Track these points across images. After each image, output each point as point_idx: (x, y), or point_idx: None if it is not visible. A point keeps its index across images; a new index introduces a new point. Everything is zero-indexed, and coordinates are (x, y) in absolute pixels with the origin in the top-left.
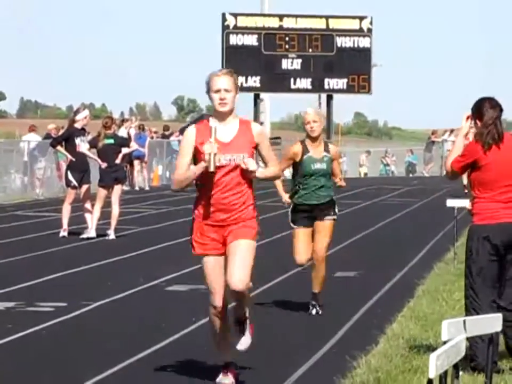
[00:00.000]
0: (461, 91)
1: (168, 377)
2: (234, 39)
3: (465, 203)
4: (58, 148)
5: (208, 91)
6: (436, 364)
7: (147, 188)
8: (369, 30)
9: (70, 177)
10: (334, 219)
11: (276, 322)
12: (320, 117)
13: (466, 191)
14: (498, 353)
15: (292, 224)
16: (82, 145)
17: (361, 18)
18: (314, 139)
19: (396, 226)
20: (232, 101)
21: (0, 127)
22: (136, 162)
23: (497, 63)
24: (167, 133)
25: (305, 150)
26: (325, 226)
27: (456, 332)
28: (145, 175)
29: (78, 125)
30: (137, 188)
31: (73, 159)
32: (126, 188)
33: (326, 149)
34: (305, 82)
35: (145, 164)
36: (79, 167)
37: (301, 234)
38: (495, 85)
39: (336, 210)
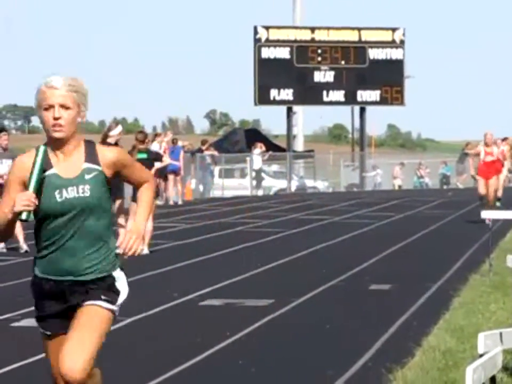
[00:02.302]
0: (495, 102)
1: None
2: (267, 52)
3: (500, 215)
4: None
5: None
6: (472, 376)
7: (180, 202)
8: (402, 42)
9: None
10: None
11: (309, 336)
12: (70, 93)
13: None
14: None
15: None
16: None
17: (393, 30)
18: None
19: (430, 238)
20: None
21: (32, 142)
22: (171, 177)
23: None
24: (203, 147)
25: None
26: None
27: (493, 345)
28: (179, 189)
29: (111, 140)
30: (171, 202)
31: None
32: (159, 202)
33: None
34: (338, 95)
35: (180, 177)
36: (112, 183)
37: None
38: None
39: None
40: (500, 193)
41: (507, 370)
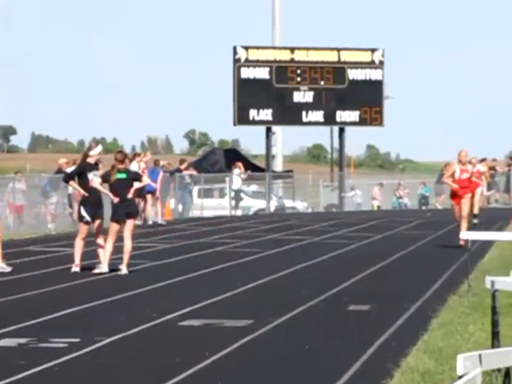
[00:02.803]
0: (473, 123)
1: None
2: (246, 72)
3: (479, 236)
4: (71, 183)
5: None
6: None
7: (162, 222)
8: (381, 62)
9: (83, 212)
10: None
11: (289, 356)
12: None
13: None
14: None
15: None
16: (95, 180)
17: (373, 51)
18: None
19: (409, 259)
20: None
21: (11, 161)
22: (148, 197)
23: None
24: (181, 167)
25: None
26: None
27: (472, 366)
28: (158, 209)
29: (91, 160)
30: (150, 222)
31: (86, 194)
32: (138, 222)
33: None
34: (317, 115)
35: (157, 198)
36: (92, 202)
37: None
38: (508, 116)
39: None
40: (475, 210)
41: None
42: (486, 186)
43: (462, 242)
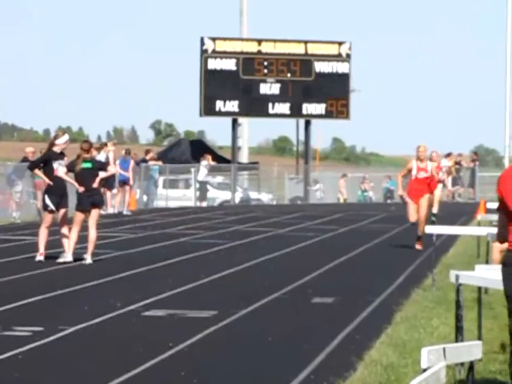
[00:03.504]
0: (439, 117)
1: None
2: (213, 63)
3: (443, 230)
4: (36, 171)
5: None
6: None
7: (128, 213)
8: (348, 55)
9: (48, 201)
10: None
11: (252, 348)
12: None
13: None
14: None
15: None
16: (60, 169)
17: (340, 44)
18: None
19: (374, 252)
20: None
21: None
22: (126, 188)
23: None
24: (147, 157)
25: None
26: None
27: (436, 360)
28: (125, 200)
29: (57, 149)
30: (116, 212)
31: (51, 183)
32: (104, 212)
33: None
34: (283, 107)
35: (129, 187)
36: (56, 191)
37: None
38: (473, 111)
39: None
40: (435, 210)
41: None
42: (451, 181)
43: (418, 247)
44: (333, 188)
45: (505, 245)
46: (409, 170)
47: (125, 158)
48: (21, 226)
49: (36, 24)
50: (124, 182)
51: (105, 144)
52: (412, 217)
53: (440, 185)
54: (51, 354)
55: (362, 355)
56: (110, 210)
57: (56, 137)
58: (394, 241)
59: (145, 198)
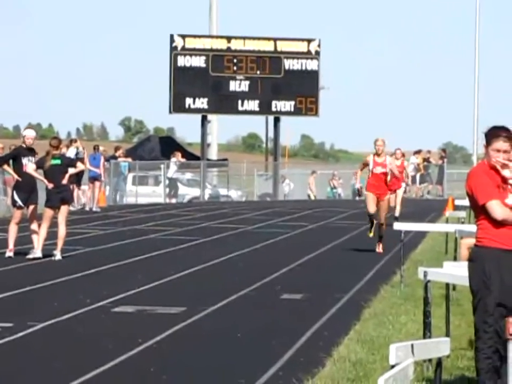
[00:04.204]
0: (408, 115)
1: None
2: (182, 61)
3: (412, 227)
4: (5, 167)
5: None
6: None
7: (94, 209)
8: (317, 53)
9: (16, 197)
10: None
11: (221, 344)
12: None
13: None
14: None
15: None
16: (29, 165)
17: (309, 41)
18: None
19: (342, 248)
20: None
21: None
22: (97, 183)
23: (443, 87)
24: (116, 154)
25: None
26: None
27: (404, 356)
28: (95, 196)
29: (25, 143)
30: (87, 209)
31: (19, 179)
32: (73, 208)
33: None
34: (252, 104)
35: (100, 183)
36: (25, 187)
37: None
38: (442, 109)
39: None
40: (397, 213)
41: (415, 381)
42: (419, 178)
43: (379, 250)
44: (301, 184)
45: (472, 241)
46: (366, 165)
47: (94, 154)
48: None
49: (7, 19)
50: (95, 178)
51: (75, 141)
52: (371, 208)
53: (403, 186)
54: (20, 350)
55: (330, 351)
56: (79, 207)
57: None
58: (363, 238)
59: (116, 195)
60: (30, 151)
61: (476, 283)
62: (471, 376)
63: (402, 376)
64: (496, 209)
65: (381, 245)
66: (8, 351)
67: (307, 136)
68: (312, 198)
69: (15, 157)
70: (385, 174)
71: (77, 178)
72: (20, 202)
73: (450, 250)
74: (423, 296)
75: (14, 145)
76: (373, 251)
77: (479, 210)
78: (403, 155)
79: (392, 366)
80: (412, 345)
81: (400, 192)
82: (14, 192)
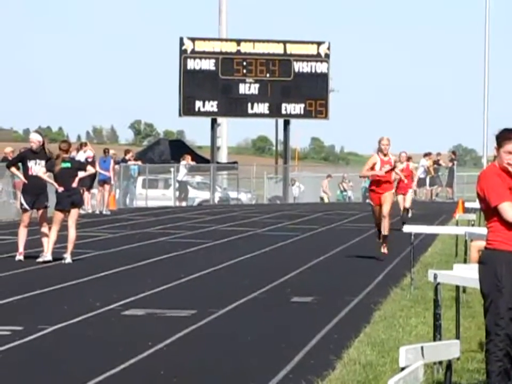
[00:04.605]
0: (417, 117)
1: None
2: (192, 64)
3: (422, 229)
4: (13, 170)
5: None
6: None
7: (104, 212)
8: (327, 55)
9: (22, 200)
10: None
11: (231, 347)
12: None
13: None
14: None
15: None
16: (38, 168)
17: (318, 44)
18: None
19: (352, 251)
20: None
21: None
22: (106, 187)
23: (453, 90)
24: (126, 157)
25: None
26: None
27: (414, 359)
28: (105, 199)
29: (33, 148)
30: (97, 212)
31: (26, 182)
32: (83, 211)
33: None
34: (262, 107)
35: (110, 187)
36: (33, 190)
37: None
38: (452, 111)
39: None
40: (408, 204)
41: None
42: (429, 180)
43: (384, 249)
44: (312, 187)
45: (483, 244)
46: (373, 166)
47: (104, 157)
48: (1, 226)
49: (14, 22)
50: (104, 181)
51: (85, 144)
52: (377, 220)
53: (411, 191)
54: (30, 353)
55: (340, 354)
56: (89, 210)
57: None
58: (373, 240)
59: (126, 199)
60: (38, 154)
61: (487, 286)
62: (481, 379)
63: (412, 378)
64: (509, 211)
65: (385, 245)
66: (18, 355)
67: (317, 139)
68: (326, 201)
69: (22, 160)
70: (391, 171)
71: (90, 182)
72: (25, 205)
73: (460, 253)
74: (433, 298)
75: (24, 148)
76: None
77: (490, 213)
78: (409, 159)
79: (402, 369)
80: (422, 348)
81: (409, 196)
82: (21, 195)
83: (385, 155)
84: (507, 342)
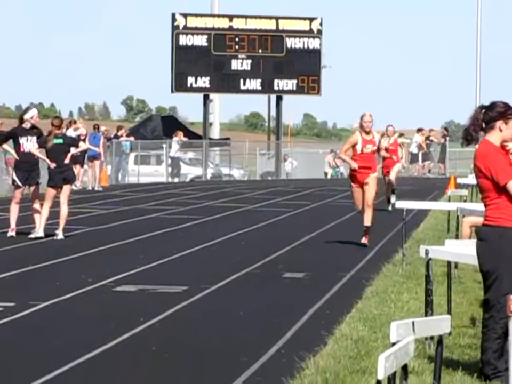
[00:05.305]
0: (410, 93)
1: (115, 378)
2: (184, 40)
3: (414, 205)
4: (5, 146)
5: None
6: (384, 365)
7: (97, 188)
8: (319, 31)
9: (15, 176)
10: None
11: (223, 322)
12: None
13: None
14: None
15: None
16: (31, 145)
17: (311, 20)
18: None
19: (344, 227)
20: None
21: None
22: (96, 162)
23: (445, 66)
24: (119, 133)
25: None
26: None
27: (405, 334)
28: (96, 175)
29: (25, 125)
30: (89, 188)
31: (18, 158)
32: (75, 187)
33: None
34: (254, 83)
35: (100, 162)
36: (25, 167)
37: None
38: (444, 87)
39: None
40: (392, 176)
41: (417, 359)
42: (421, 156)
43: (364, 241)
44: (304, 163)
45: (474, 219)
46: (354, 145)
47: (95, 133)
48: None
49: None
50: (94, 157)
51: (74, 122)
52: (358, 203)
53: (398, 165)
54: (22, 329)
55: (332, 330)
56: (80, 187)
57: (25, 111)
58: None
59: (118, 174)
60: (29, 130)
61: (491, 263)
62: (473, 354)
63: (402, 353)
64: None
65: (367, 236)
66: (10, 330)
67: (309, 115)
68: (329, 176)
69: (13, 137)
70: (374, 152)
71: (82, 159)
72: (18, 182)
73: (452, 229)
74: (424, 274)
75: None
76: (374, 230)
77: (494, 190)
78: (397, 133)
79: (393, 344)
80: (413, 323)
81: (395, 169)
82: (13, 172)
83: (367, 133)
84: (507, 319)
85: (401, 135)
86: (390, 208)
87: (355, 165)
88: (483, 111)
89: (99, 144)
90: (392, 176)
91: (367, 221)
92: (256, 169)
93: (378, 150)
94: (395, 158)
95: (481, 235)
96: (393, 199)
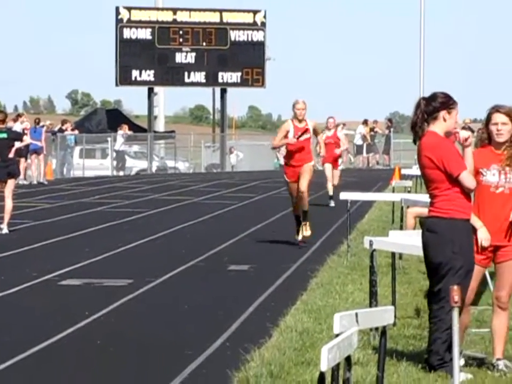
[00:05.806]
0: (354, 85)
1: (60, 372)
2: (128, 33)
3: (358, 196)
4: None
5: None
6: (327, 356)
7: (44, 182)
8: (263, 24)
9: None
10: None
11: (168, 315)
12: None
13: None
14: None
15: None
16: None
17: (255, 12)
18: None
19: (289, 219)
20: None
21: None
22: (33, 157)
23: (389, 57)
24: (63, 127)
25: None
26: None
27: (348, 325)
28: (41, 169)
29: None
30: (35, 182)
31: None
32: (21, 182)
33: None
34: (199, 76)
35: (42, 156)
36: None
37: None
38: (388, 78)
39: None
40: (336, 181)
41: (362, 350)
42: (366, 148)
43: (305, 234)
44: (249, 156)
45: (418, 210)
46: (286, 133)
47: (35, 127)
48: None
49: None
50: (35, 151)
51: (20, 115)
52: (294, 194)
53: (340, 168)
54: None
55: (277, 321)
56: (25, 181)
57: None
58: (310, 208)
59: (64, 168)
60: None
61: (442, 254)
62: (418, 344)
63: (346, 345)
64: (469, 179)
65: (305, 229)
66: None
67: (254, 107)
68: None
69: None
70: (308, 140)
71: (26, 152)
72: None
73: (396, 220)
74: (369, 265)
75: None
76: (319, 221)
77: (446, 181)
78: (338, 126)
79: (337, 335)
80: (356, 314)
81: (337, 173)
82: None
83: (300, 121)
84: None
85: (343, 125)
86: (332, 204)
87: (293, 140)
88: (424, 102)
89: (41, 138)
90: (336, 181)
91: (305, 206)
92: (201, 161)
93: (316, 134)
94: (338, 151)
95: (431, 227)
96: (332, 203)
